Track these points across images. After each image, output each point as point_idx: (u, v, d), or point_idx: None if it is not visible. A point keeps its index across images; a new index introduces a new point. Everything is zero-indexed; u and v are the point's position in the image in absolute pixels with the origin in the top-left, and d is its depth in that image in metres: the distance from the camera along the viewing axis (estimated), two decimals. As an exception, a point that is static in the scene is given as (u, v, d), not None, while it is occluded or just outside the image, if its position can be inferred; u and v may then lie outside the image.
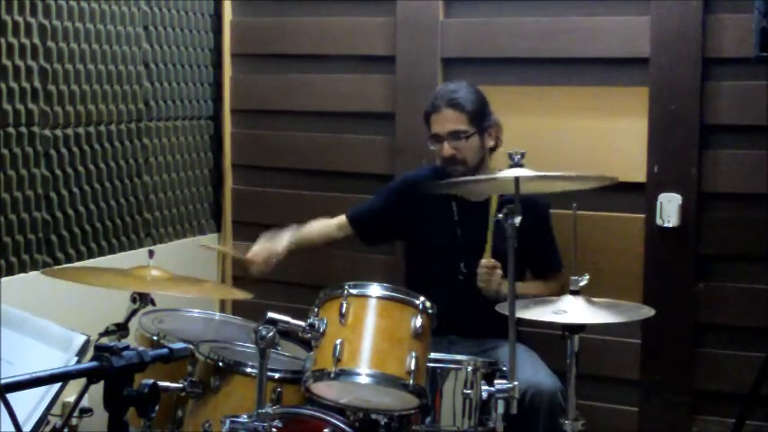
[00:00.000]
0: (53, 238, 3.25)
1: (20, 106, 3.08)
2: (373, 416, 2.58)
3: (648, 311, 2.66)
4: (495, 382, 2.46)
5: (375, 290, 2.56)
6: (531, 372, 2.89)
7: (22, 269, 3.12)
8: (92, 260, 3.41)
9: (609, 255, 3.47)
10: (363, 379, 2.44)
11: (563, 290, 2.80)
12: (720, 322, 3.39)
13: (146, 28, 3.68)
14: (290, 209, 4.06)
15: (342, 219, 3.44)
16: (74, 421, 2.84)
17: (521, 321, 2.54)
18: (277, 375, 2.70)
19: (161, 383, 1.72)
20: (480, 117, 3.15)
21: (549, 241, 3.25)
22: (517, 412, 2.48)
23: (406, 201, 3.27)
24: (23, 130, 3.11)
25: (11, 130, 3.06)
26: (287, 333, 2.48)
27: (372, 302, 2.54)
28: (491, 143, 3.18)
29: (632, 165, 3.41)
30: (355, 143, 3.92)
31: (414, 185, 3.25)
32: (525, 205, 2.52)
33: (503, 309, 2.58)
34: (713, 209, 3.37)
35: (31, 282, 3.09)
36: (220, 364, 2.73)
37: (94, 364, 1.56)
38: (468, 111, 3.13)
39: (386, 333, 2.51)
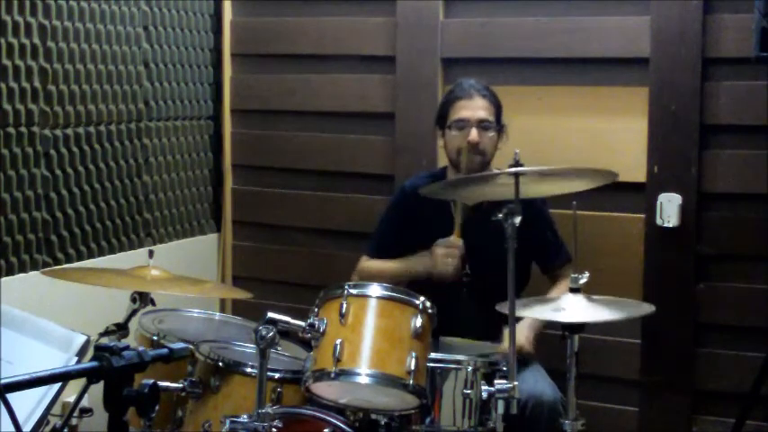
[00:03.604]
0: (53, 238, 3.25)
1: (20, 106, 3.08)
2: (373, 416, 2.58)
3: (649, 308, 2.66)
4: (495, 382, 2.45)
5: (375, 290, 2.56)
6: (533, 382, 2.88)
7: (22, 269, 3.12)
8: (92, 260, 3.41)
9: (609, 254, 3.47)
10: (363, 379, 2.43)
11: None
12: (720, 322, 3.39)
13: (146, 28, 3.68)
14: (290, 209, 4.07)
15: (367, 259, 3.32)
16: (74, 421, 2.84)
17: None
18: (277, 375, 2.70)
19: (161, 383, 1.72)
20: (500, 115, 3.17)
21: (551, 232, 3.24)
22: (518, 423, 2.48)
23: (409, 210, 3.26)
24: (23, 130, 3.11)
25: (11, 130, 3.06)
26: (287, 333, 2.48)
27: (372, 302, 2.54)
28: (500, 145, 3.17)
29: (632, 165, 3.41)
30: (355, 143, 3.92)
31: (413, 193, 3.21)
32: (521, 203, 2.50)
33: (504, 309, 2.58)
34: (713, 209, 3.38)
35: (31, 282, 3.09)
36: (220, 364, 2.73)
37: (94, 364, 1.56)
38: (495, 105, 3.15)
39: (386, 333, 2.50)
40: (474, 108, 3.11)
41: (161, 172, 3.82)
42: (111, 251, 3.52)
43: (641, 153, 3.42)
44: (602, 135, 3.50)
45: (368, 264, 3.27)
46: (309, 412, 2.57)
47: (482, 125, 3.10)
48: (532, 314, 2.58)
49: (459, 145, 3.11)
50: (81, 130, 3.36)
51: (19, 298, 2.79)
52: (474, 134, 3.08)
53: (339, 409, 2.58)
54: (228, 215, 4.19)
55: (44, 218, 3.22)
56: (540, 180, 2.65)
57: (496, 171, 2.88)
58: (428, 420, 2.60)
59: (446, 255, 3.04)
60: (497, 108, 3.15)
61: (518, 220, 2.44)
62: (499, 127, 3.15)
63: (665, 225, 3.36)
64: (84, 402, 2.55)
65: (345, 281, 2.58)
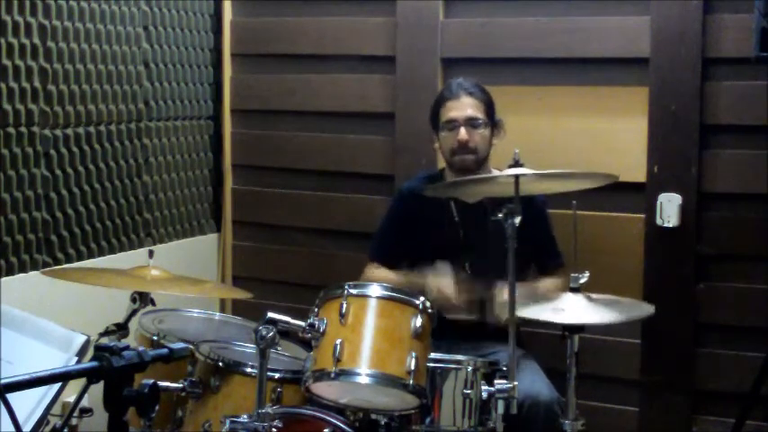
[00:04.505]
0: (53, 238, 3.25)
1: (20, 106, 3.08)
2: (373, 416, 2.58)
3: (649, 308, 2.66)
4: (495, 382, 2.46)
5: (375, 290, 2.57)
6: (529, 382, 2.87)
7: (22, 269, 3.12)
8: (92, 260, 3.41)
9: (609, 254, 3.46)
10: (363, 379, 2.44)
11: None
12: (720, 322, 3.39)
13: (146, 28, 3.68)
14: (290, 209, 4.07)
15: (373, 266, 3.29)
16: (74, 421, 2.84)
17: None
18: (277, 375, 2.70)
19: (161, 383, 1.72)
20: (492, 111, 3.17)
21: (548, 235, 3.25)
22: (514, 423, 2.48)
23: (408, 212, 3.26)
24: (23, 130, 3.11)
25: (11, 130, 3.06)
26: (287, 333, 2.48)
27: (372, 302, 2.54)
28: (495, 141, 3.18)
29: (632, 165, 3.41)
30: (355, 143, 3.92)
31: (410, 195, 3.23)
32: (522, 201, 2.51)
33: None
34: (713, 209, 3.37)
35: (31, 282, 3.09)
36: (220, 364, 2.73)
37: (94, 364, 1.56)
38: (485, 101, 3.16)
39: (386, 333, 2.51)
40: (461, 108, 3.12)
41: (161, 172, 3.81)
42: (111, 251, 3.52)
43: (641, 153, 3.42)
44: (602, 135, 3.50)
45: (375, 273, 3.24)
46: (309, 412, 2.58)
47: (471, 123, 3.11)
48: (531, 314, 2.57)
49: (452, 145, 3.12)
50: (81, 130, 3.35)
51: (19, 298, 2.79)
52: (462, 133, 3.09)
53: (339, 409, 2.58)
54: (228, 215, 4.19)
55: (44, 218, 3.22)
56: (539, 179, 2.65)
57: (496, 173, 2.88)
58: (428, 420, 2.60)
59: (440, 288, 2.98)
60: (487, 105, 3.16)
61: (518, 220, 2.45)
62: (492, 123, 3.16)
63: (665, 225, 3.36)
64: (84, 402, 2.55)
65: (345, 281, 2.58)
